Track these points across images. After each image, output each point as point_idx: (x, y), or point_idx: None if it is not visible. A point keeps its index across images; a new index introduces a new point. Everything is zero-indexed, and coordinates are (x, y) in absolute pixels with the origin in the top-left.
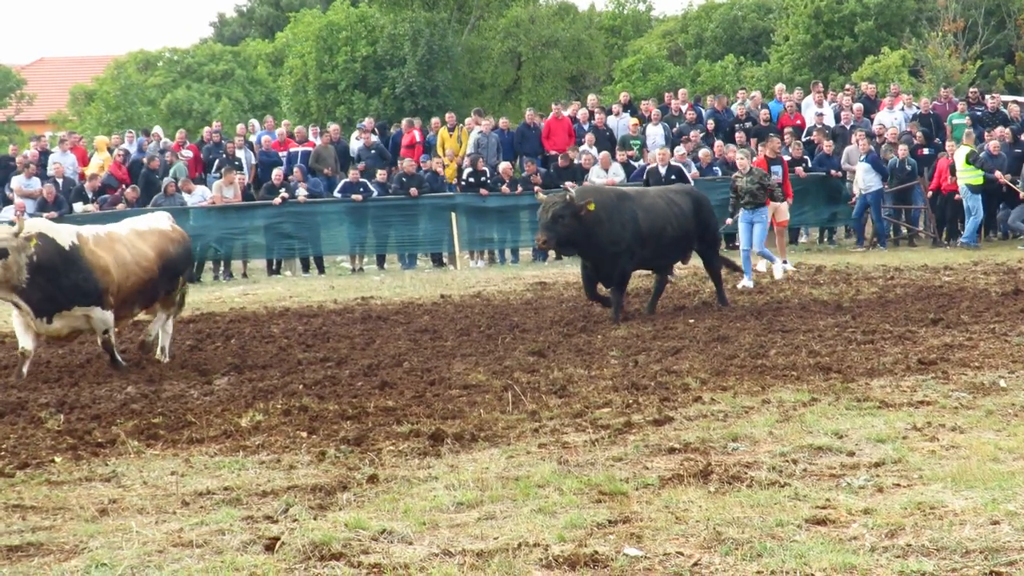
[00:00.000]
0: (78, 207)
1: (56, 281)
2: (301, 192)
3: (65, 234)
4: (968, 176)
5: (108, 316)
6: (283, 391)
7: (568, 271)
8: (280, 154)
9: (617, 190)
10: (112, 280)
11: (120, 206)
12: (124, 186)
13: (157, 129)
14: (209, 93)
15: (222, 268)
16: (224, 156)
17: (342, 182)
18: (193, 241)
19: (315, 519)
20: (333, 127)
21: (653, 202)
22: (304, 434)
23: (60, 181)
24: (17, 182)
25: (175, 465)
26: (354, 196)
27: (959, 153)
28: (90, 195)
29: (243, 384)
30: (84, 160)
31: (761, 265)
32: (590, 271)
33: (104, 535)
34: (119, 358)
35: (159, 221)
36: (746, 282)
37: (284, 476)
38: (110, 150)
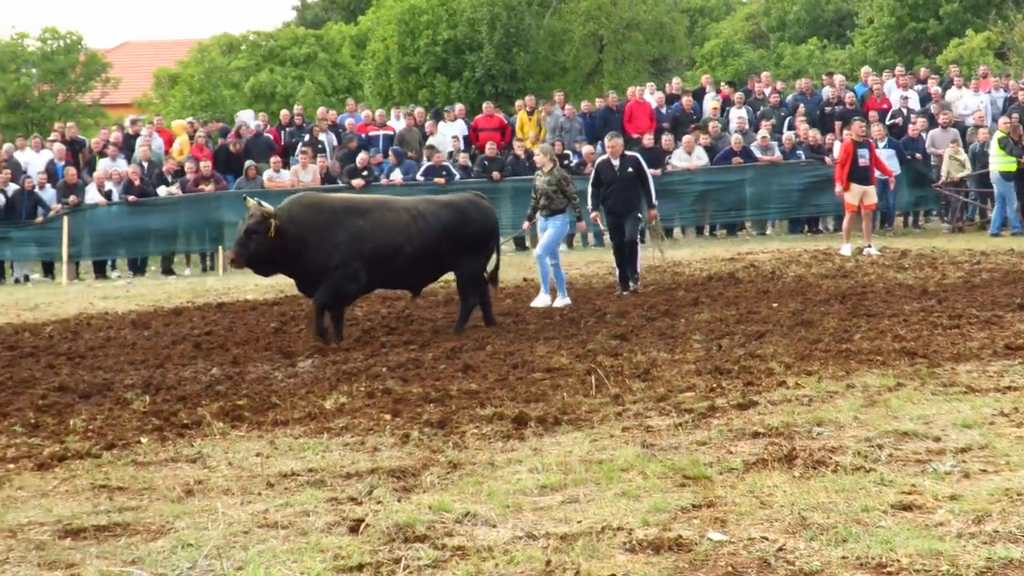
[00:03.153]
0: (161, 190)
1: None
2: (396, 176)
3: None
4: (1001, 162)
5: None
6: (367, 373)
7: (651, 254)
8: (362, 136)
9: (344, 202)
10: None
11: (209, 188)
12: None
13: (246, 113)
14: (292, 76)
15: None
16: (307, 139)
17: (424, 165)
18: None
19: (399, 501)
20: (417, 110)
21: (393, 217)
22: (388, 416)
23: (145, 164)
24: (103, 164)
25: (260, 446)
26: (436, 179)
27: (993, 138)
28: (168, 178)
29: (327, 366)
30: (171, 143)
31: (540, 300)
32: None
33: (190, 515)
34: None
35: None
36: (545, 299)
37: (368, 458)
38: (190, 136)
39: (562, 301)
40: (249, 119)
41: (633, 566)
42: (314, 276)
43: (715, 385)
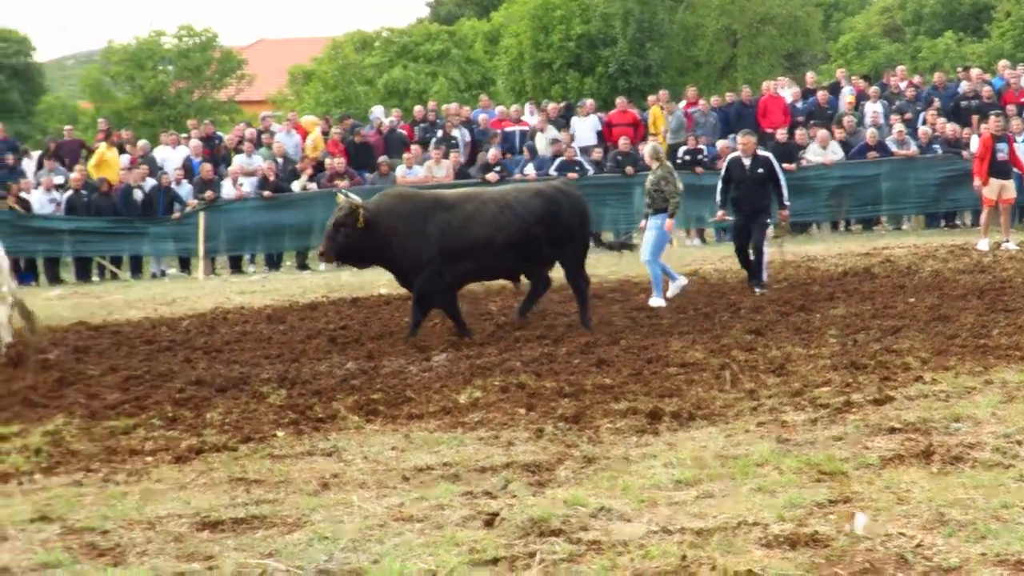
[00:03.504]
0: (296, 185)
1: None
2: (530, 171)
3: None
4: None
5: None
6: (501, 368)
7: (785, 250)
8: (499, 133)
9: (432, 196)
10: None
11: (343, 183)
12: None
13: (378, 109)
14: (425, 73)
15: None
16: (440, 135)
17: (558, 160)
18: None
19: (534, 495)
20: (551, 106)
21: (477, 209)
22: (522, 411)
23: (280, 160)
24: (238, 160)
25: (395, 440)
26: (569, 174)
27: None
28: (301, 174)
29: (461, 361)
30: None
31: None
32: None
33: (326, 508)
34: None
35: None
36: (660, 300)
37: (503, 452)
38: (325, 132)
39: (677, 286)
40: (381, 115)
41: (769, 561)
42: (404, 271)
43: (851, 380)
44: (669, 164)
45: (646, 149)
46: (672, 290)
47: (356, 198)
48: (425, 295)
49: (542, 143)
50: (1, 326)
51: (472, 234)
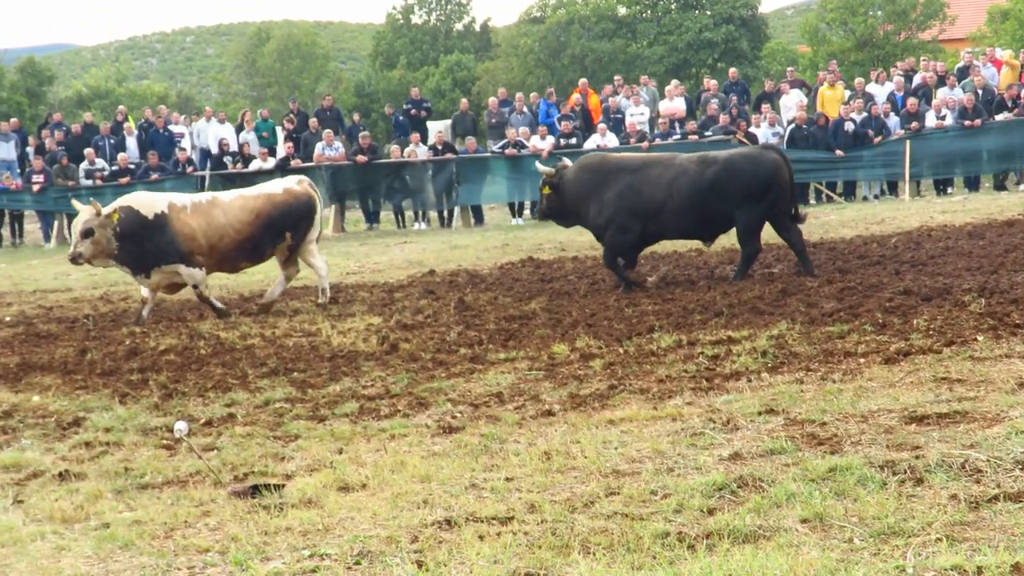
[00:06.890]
0: (999, 116)
1: (141, 246)
2: None
3: (153, 205)
4: None
5: (195, 272)
6: None
7: None
8: None
9: (617, 161)
10: (199, 243)
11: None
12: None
13: None
14: None
15: None
16: None
17: None
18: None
19: None
20: None
21: (660, 173)
22: None
23: (980, 92)
24: (941, 93)
25: None
26: None
27: None
28: (1009, 102)
29: None
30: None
31: None
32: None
33: (1023, 406)
34: (217, 305)
35: (273, 185)
36: None
37: None
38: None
39: None
40: None
41: None
42: (593, 230)
43: None
44: None
45: None
46: None
47: (547, 168)
48: (611, 257)
49: None
50: None
51: (648, 197)
